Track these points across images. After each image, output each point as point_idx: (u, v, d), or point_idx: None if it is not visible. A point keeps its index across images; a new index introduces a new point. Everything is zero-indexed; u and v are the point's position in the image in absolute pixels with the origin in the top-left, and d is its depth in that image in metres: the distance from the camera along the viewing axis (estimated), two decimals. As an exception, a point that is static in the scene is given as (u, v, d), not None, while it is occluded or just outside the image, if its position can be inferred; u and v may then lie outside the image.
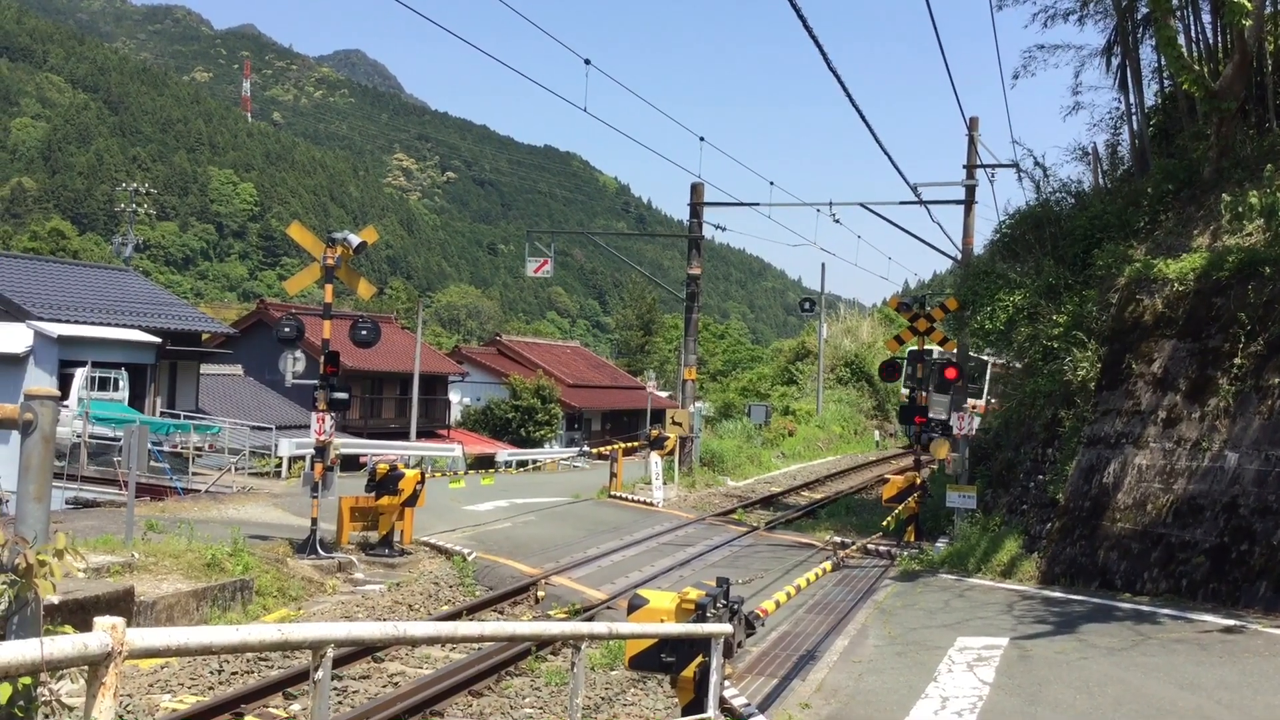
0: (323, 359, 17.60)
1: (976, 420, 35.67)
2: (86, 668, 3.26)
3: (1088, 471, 15.86)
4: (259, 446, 35.33)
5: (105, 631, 3.24)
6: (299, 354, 18.71)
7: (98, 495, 25.21)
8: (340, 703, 10.01)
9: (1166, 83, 25.60)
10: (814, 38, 13.08)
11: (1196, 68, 19.37)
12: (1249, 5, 15.82)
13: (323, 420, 17.44)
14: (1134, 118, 25.29)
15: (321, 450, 17.55)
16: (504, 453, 48.23)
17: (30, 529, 4.35)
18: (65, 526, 16.52)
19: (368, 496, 18.34)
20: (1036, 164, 26.26)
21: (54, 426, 4.45)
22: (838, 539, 20.40)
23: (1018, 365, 36.38)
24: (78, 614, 10.25)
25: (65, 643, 3.14)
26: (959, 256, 27.56)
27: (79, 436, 28.36)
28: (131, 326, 35.90)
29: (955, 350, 25.54)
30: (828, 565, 13.47)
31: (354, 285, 18.59)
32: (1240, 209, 16.21)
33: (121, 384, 33.50)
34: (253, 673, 10.98)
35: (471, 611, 13.88)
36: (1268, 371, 14.21)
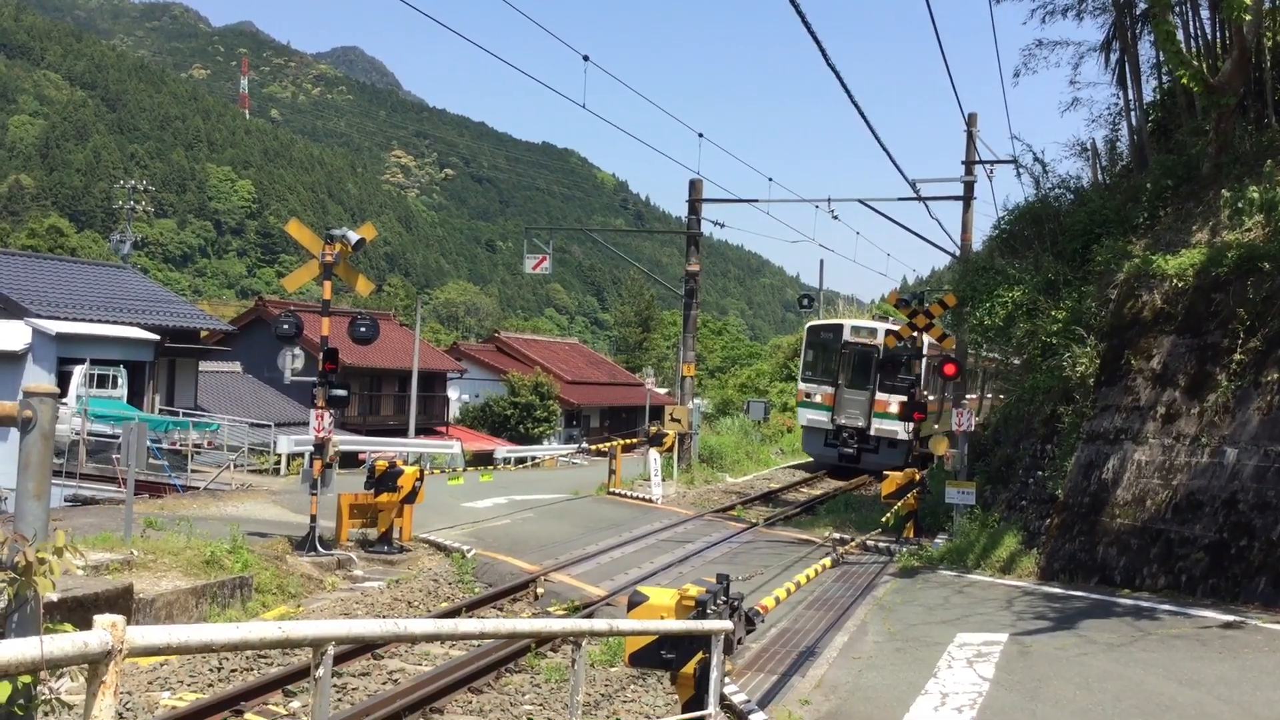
0: (321, 356, 17.58)
1: (899, 427, 31.19)
2: (86, 666, 3.25)
3: (1087, 467, 15.86)
4: (258, 443, 35.29)
5: (105, 630, 3.23)
6: (297, 351, 18.69)
7: (97, 492, 25.18)
8: (340, 700, 10.00)
9: (1165, 78, 25.60)
10: (813, 35, 13.06)
11: (1195, 63, 19.36)
12: (1248, 0, 15.81)
13: (321, 417, 17.42)
14: (1133, 113, 25.28)
15: (320, 447, 17.53)
16: (503, 449, 48.20)
17: (29, 527, 4.34)
18: (64, 524, 16.49)
19: (367, 493, 18.32)
20: (1036, 159, 26.29)
21: (53, 424, 4.44)
22: (837, 535, 20.40)
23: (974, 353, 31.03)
24: (77, 611, 10.26)
25: (65, 641, 3.13)
26: (958, 253, 27.55)
27: (78, 434, 28.32)
28: (130, 324, 35.86)
29: (954, 347, 25.49)
30: (827, 562, 13.48)
31: (352, 282, 18.57)
32: (1240, 204, 16.20)
33: (120, 381, 33.47)
34: (252, 670, 10.98)
35: (471, 608, 13.88)
36: (1267, 367, 14.21)
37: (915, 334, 24.15)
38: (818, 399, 32.31)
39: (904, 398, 28.78)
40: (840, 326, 32.67)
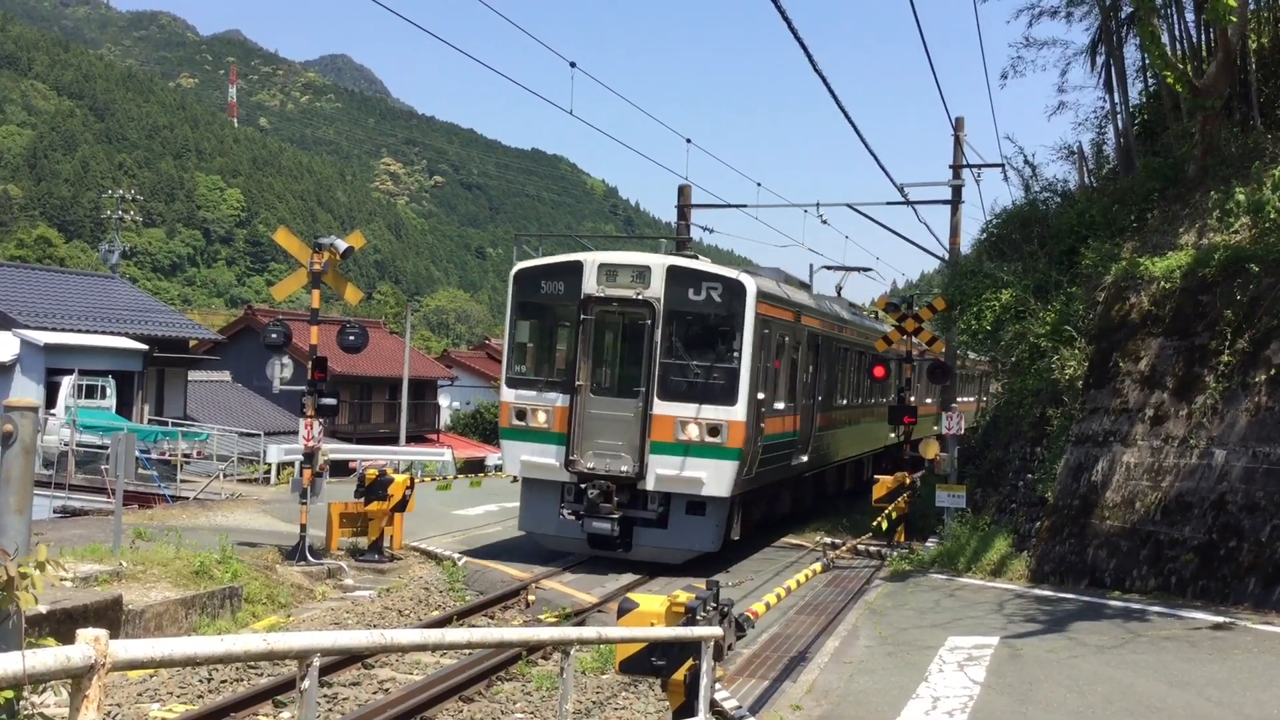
0: (310, 364, 17.54)
1: (710, 471, 16.31)
2: (70, 680, 3.23)
3: (1076, 470, 15.88)
4: (247, 453, 35.22)
5: (88, 644, 3.21)
6: (286, 360, 18.65)
7: (85, 503, 25.10)
8: (330, 710, 9.96)
9: (1151, 81, 25.72)
10: (800, 41, 13.07)
11: (1181, 66, 19.44)
12: (1233, 3, 15.88)
13: (311, 426, 17.38)
14: (1119, 116, 25.39)
15: (310, 456, 17.49)
16: (494, 457, 48.14)
17: (11, 541, 4.33)
18: (52, 535, 16.46)
19: (357, 502, 18.29)
20: (1026, 162, 26.38)
21: (34, 438, 4.42)
22: (828, 540, 20.40)
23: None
24: (65, 623, 10.20)
25: (47, 655, 3.12)
26: (946, 256, 27.59)
27: (66, 445, 28.24)
28: (119, 334, 35.76)
29: (943, 350, 25.50)
30: (818, 566, 13.50)
31: (341, 290, 18.56)
32: (1227, 206, 16.26)
33: (109, 391, 33.37)
34: (242, 680, 10.93)
35: (461, 616, 13.85)
36: (1255, 369, 14.25)
37: (905, 337, 24.06)
38: (540, 420, 17.01)
39: (722, 408, 16.35)
40: (578, 267, 17.12)
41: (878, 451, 28.86)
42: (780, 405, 18.71)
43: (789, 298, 19.24)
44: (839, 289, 28.96)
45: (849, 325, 25.10)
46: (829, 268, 30.76)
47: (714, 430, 16.36)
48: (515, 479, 17.82)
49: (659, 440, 16.52)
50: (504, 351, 18.46)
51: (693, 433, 16.42)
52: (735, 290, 16.69)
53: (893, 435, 28.59)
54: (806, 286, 22.49)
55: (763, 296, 17.24)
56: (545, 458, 16.90)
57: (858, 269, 31.04)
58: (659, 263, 16.96)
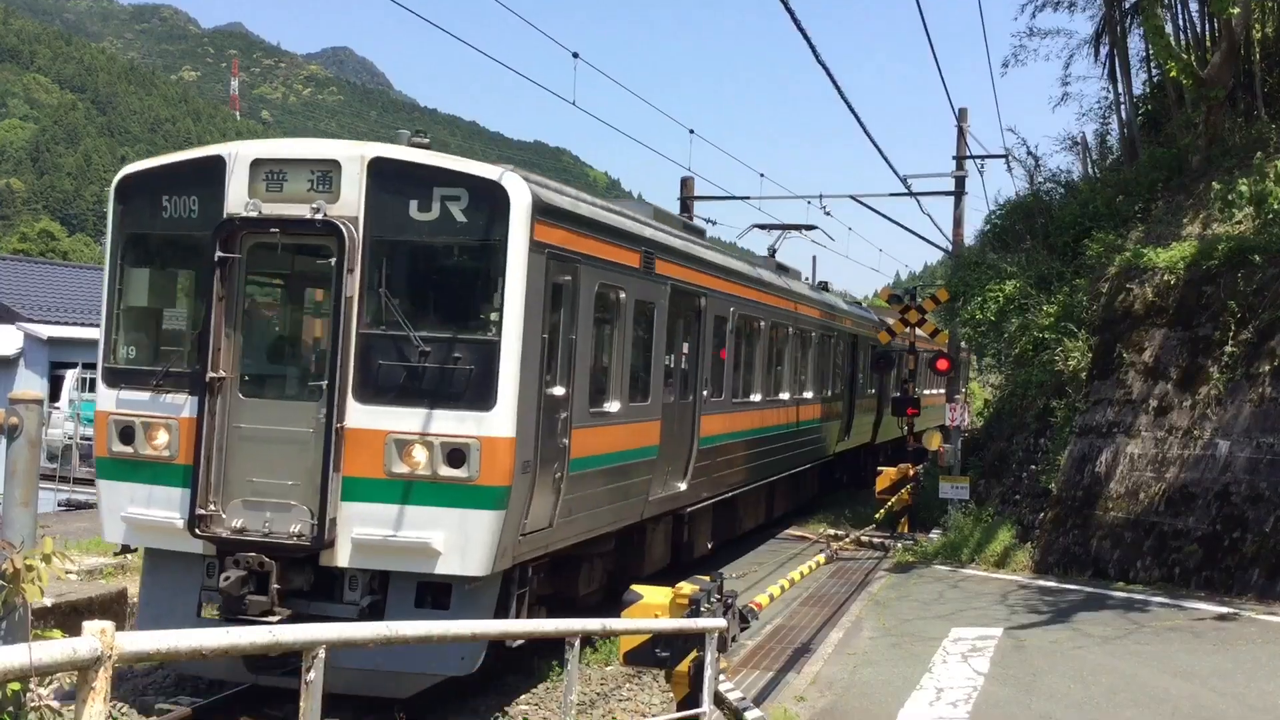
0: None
1: (448, 530, 8.63)
2: (76, 673, 3.25)
3: (1080, 461, 15.88)
4: (252, 446, 35.23)
5: (94, 636, 3.22)
6: (290, 353, 18.59)
7: (90, 497, 25.12)
8: (336, 703, 9.97)
9: (1155, 72, 25.67)
10: (802, 31, 13.05)
11: (1184, 56, 19.41)
12: (1236, -7, 15.86)
13: (315, 419, 17.29)
14: (1123, 107, 25.36)
15: (314, 449, 17.41)
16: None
17: (17, 535, 4.33)
18: (58, 529, 16.48)
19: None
20: (1029, 154, 26.33)
21: (40, 431, 4.43)
22: (832, 532, 20.39)
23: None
24: (71, 616, 10.26)
25: (54, 648, 3.13)
26: (950, 247, 27.55)
27: (71, 438, 28.28)
28: (122, 327, 35.78)
29: (947, 342, 25.47)
30: (821, 558, 13.50)
31: (344, 283, 18.47)
32: (1230, 197, 16.24)
33: (113, 385, 33.40)
34: (247, 673, 10.93)
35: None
36: (1258, 359, 14.25)
37: (908, 329, 24.01)
38: (159, 443, 9.57)
39: (470, 414, 8.97)
40: (217, 167, 9.50)
41: (828, 460, 23.58)
42: (614, 407, 11.65)
43: (626, 229, 11.77)
44: (773, 250, 23.67)
45: (775, 291, 18.19)
46: (761, 226, 25.69)
47: (456, 455, 9.05)
48: (123, 551, 10.90)
49: (358, 474, 9.17)
50: (101, 322, 10.33)
51: (419, 459, 9.09)
52: (492, 199, 9.24)
53: (847, 438, 24.86)
54: (698, 230, 16.32)
55: (549, 214, 9.75)
56: (162, 510, 9.44)
57: (797, 226, 25.57)
58: (354, 154, 9.35)
